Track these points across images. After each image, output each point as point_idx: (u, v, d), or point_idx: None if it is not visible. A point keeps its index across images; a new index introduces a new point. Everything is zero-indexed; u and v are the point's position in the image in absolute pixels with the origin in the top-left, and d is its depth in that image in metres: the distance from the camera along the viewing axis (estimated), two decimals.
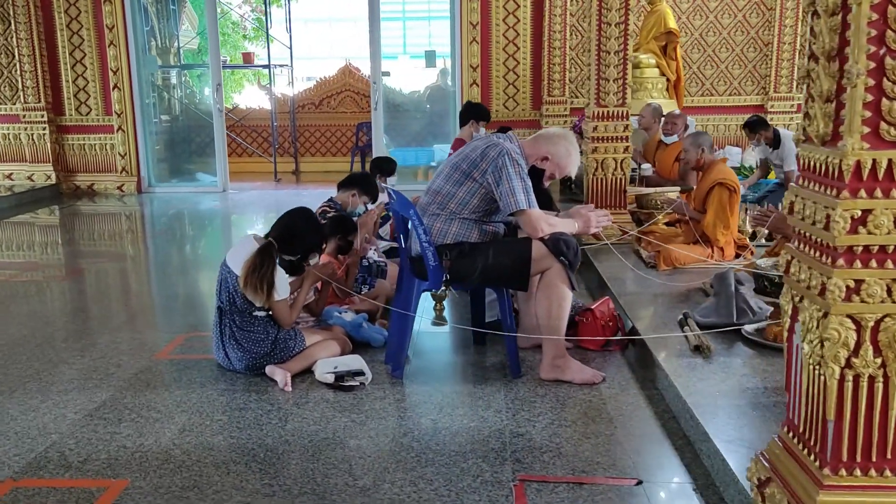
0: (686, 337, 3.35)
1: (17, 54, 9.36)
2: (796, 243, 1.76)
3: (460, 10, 9.27)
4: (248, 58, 13.20)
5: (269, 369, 3.40)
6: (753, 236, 5.05)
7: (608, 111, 5.37)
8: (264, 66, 12.37)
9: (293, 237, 3.48)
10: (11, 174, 9.75)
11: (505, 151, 3.21)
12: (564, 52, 9.23)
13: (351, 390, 3.27)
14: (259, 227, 7.86)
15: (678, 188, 5.62)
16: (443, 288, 3.28)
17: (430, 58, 12.88)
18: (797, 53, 9.11)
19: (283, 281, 3.40)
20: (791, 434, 1.82)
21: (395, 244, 5.60)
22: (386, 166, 5.51)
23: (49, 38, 9.48)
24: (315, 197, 9.41)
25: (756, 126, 6.62)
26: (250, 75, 19.57)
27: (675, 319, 3.63)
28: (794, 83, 9.21)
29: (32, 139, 9.60)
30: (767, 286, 3.23)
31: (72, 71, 9.58)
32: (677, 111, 6.36)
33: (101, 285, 5.64)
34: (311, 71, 15.06)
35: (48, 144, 9.60)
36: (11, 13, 9.26)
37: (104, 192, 9.77)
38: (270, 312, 3.48)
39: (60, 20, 9.43)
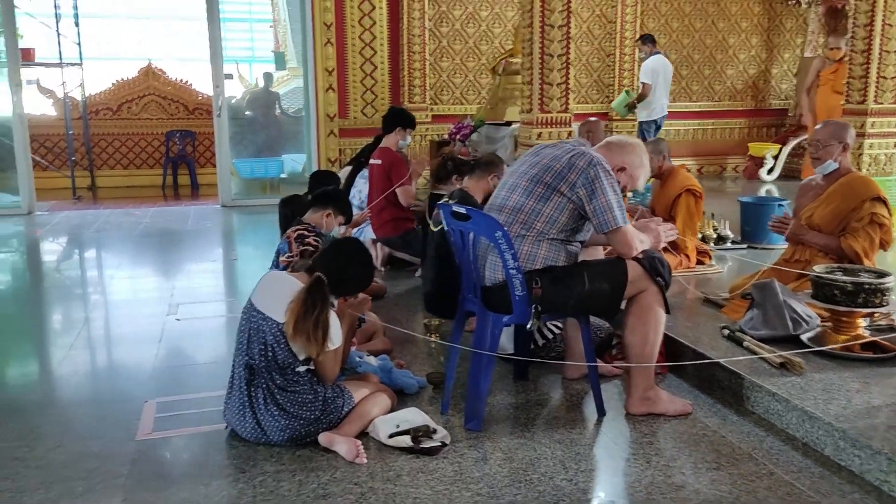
0: (748, 351, 3.22)
1: None
2: None
3: (312, 10, 8.58)
4: (27, 54, 11.16)
5: (323, 438, 2.69)
6: (721, 240, 5.14)
7: (552, 117, 5.17)
8: (55, 65, 10.53)
9: (346, 274, 2.81)
10: None
11: (596, 161, 2.84)
12: (424, 57, 8.93)
13: (434, 453, 2.69)
14: (102, 259, 6.59)
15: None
16: (533, 321, 2.82)
17: (280, 60, 11.89)
18: (636, 64, 9.67)
19: (336, 326, 2.72)
20: None
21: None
22: (326, 180, 4.82)
23: None
24: (158, 215, 8.21)
25: None
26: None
27: (701, 332, 3.51)
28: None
29: None
30: (837, 295, 3.19)
31: None
32: (592, 118, 6.35)
33: None
34: (107, 73, 13.19)
35: None
36: None
37: None
38: (311, 367, 2.78)
39: None
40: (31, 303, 5.08)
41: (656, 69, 8.20)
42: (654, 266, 2.90)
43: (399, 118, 5.47)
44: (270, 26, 21.66)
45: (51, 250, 6.91)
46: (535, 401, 3.20)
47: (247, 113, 11.12)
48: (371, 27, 8.82)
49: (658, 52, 8.39)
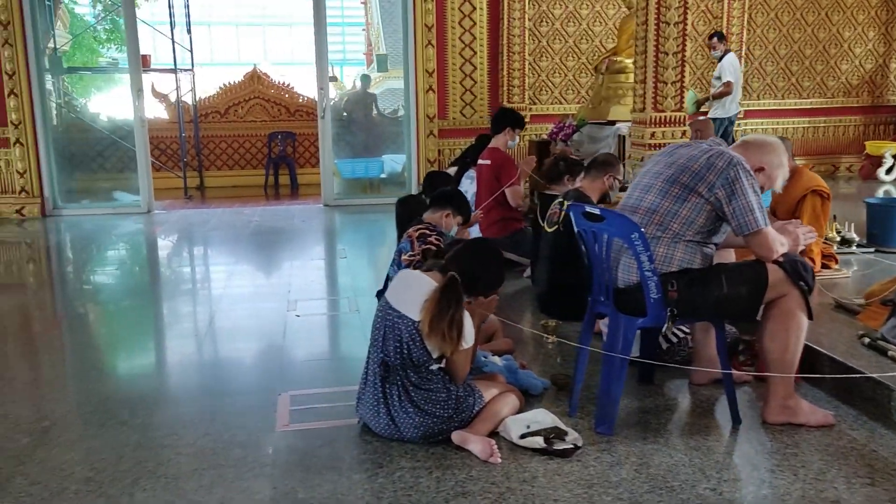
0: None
1: None
2: None
3: (414, 13, 8.69)
4: (143, 61, 11.76)
5: (456, 437, 2.72)
6: (845, 243, 4.92)
7: (666, 116, 5.05)
8: (169, 70, 11.07)
9: (479, 274, 2.83)
10: None
11: (736, 161, 2.76)
12: (524, 58, 8.91)
13: (567, 456, 2.67)
14: (220, 255, 6.87)
15: None
16: (667, 324, 2.77)
17: (382, 62, 12.14)
18: (742, 61, 9.34)
19: (470, 325, 2.75)
20: None
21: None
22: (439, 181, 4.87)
23: None
24: (265, 213, 8.51)
25: None
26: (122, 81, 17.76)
27: (837, 339, 3.35)
28: (740, 90, 9.44)
29: None
30: None
31: None
32: (702, 117, 6.18)
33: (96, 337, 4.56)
34: (214, 78, 13.81)
35: None
36: None
37: None
38: (443, 365, 2.81)
39: None
40: (160, 297, 5.34)
41: (735, 66, 8.03)
42: (796, 270, 2.79)
43: (508, 118, 5.47)
44: (363, 30, 22.11)
45: (173, 247, 7.26)
46: (663, 406, 3.14)
47: (344, 114, 11.38)
48: (471, 28, 8.86)
49: (729, 50, 8.21)
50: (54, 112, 9.69)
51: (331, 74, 9.24)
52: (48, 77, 8.66)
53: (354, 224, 8.13)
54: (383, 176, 10.13)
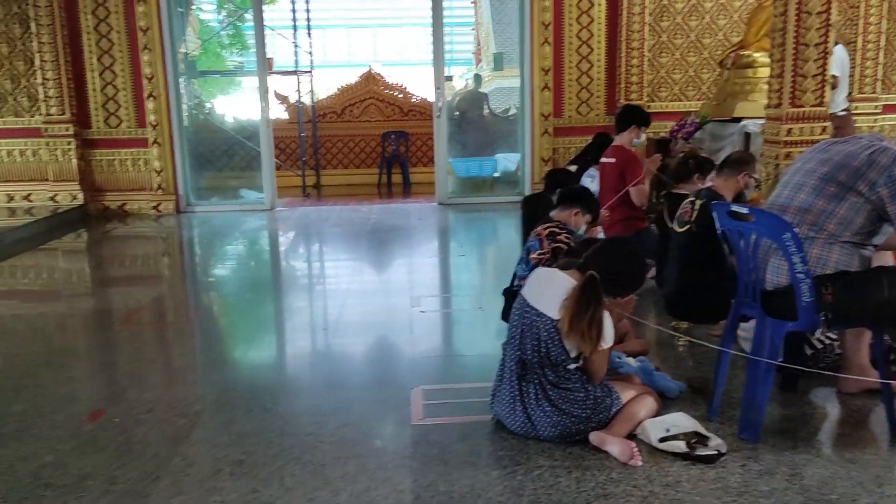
0: None
1: (37, 61, 8.34)
2: None
3: (531, 11, 8.65)
4: (268, 64, 12.29)
5: (595, 438, 2.69)
6: None
7: (804, 112, 4.80)
8: (291, 73, 11.51)
9: (620, 274, 2.79)
10: (30, 195, 8.69)
11: None
12: (642, 54, 8.70)
13: (711, 462, 2.58)
14: (342, 252, 7.07)
15: None
16: (821, 330, 2.63)
17: (498, 61, 12.22)
18: (881, 52, 8.77)
19: (609, 325, 2.71)
20: None
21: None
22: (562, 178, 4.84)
23: (74, 42, 8.47)
24: (381, 211, 8.76)
25: None
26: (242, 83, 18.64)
27: None
28: (879, 83, 8.86)
29: (55, 155, 8.56)
30: None
31: (100, 78, 8.60)
32: (842, 112, 5.85)
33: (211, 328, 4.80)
34: (327, 79, 14.28)
35: (73, 161, 8.57)
36: (31, 14, 8.24)
37: (138, 212, 8.78)
38: (580, 364, 2.78)
39: (87, 22, 8.44)
40: (289, 291, 5.56)
41: (843, 59, 7.38)
42: None
43: (634, 115, 5.35)
44: (472, 29, 22.20)
45: (298, 243, 7.53)
46: (810, 414, 2.99)
47: (456, 113, 11.46)
48: (588, 25, 8.73)
49: (837, 42, 7.59)
50: (185, 114, 10.30)
51: (447, 74, 9.32)
52: (181, 80, 9.25)
53: (469, 222, 8.18)
54: (497, 175, 10.13)
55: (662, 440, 2.69)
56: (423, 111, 11.96)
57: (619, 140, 5.39)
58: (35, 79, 8.47)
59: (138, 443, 2.84)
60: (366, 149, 12.32)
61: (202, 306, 5.28)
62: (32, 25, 8.25)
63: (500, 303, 3.93)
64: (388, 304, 4.90)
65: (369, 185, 11.75)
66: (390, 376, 3.58)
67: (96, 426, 2.99)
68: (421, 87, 13.04)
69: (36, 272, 6.37)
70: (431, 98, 12.13)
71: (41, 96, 8.43)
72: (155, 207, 8.82)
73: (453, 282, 5.77)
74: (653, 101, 8.96)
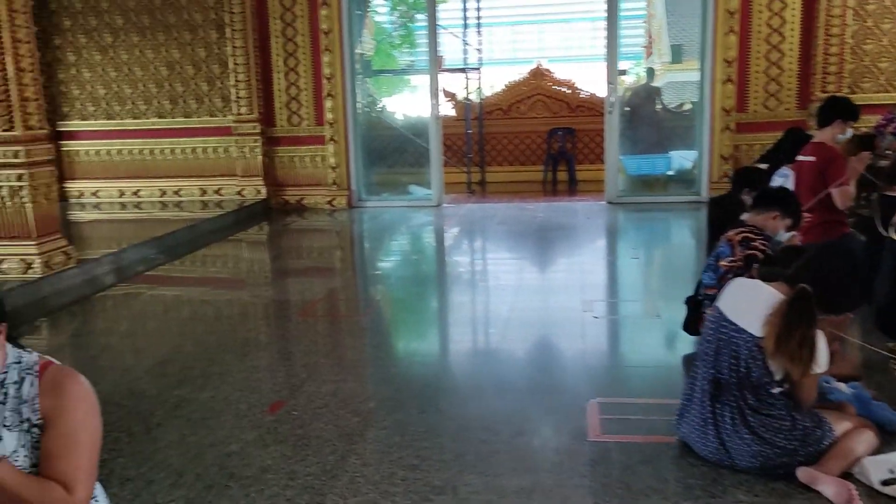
0: None
1: (231, 63, 8.93)
2: None
3: None
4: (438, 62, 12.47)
5: (804, 475, 2.37)
6: None
7: None
8: (459, 70, 11.59)
9: (837, 288, 2.46)
10: (220, 189, 9.33)
11: None
12: (843, 41, 7.88)
13: None
14: (509, 250, 6.96)
15: None
16: None
17: (677, 53, 11.73)
18: None
19: (823, 346, 2.39)
20: None
21: None
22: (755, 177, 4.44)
23: (262, 45, 8.99)
24: (547, 209, 8.63)
25: None
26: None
27: None
28: None
29: (243, 152, 9.13)
30: None
31: (285, 79, 9.07)
32: None
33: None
34: (492, 76, 14.31)
35: (259, 157, 9.09)
36: (227, 20, 8.82)
37: (314, 206, 9.17)
38: (785, 388, 2.47)
39: (275, 26, 8.92)
40: (459, 288, 5.54)
41: None
42: None
43: (839, 108, 4.78)
44: (644, 22, 21.38)
45: (466, 240, 7.53)
46: None
47: (626, 109, 11.01)
48: (781, 11, 8.03)
49: None
50: (358, 112, 10.66)
51: (620, 68, 8.95)
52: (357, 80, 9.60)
53: (641, 223, 7.80)
54: (671, 173, 9.61)
55: (886, 483, 2.34)
56: (591, 107, 11.63)
57: (821, 136, 4.85)
58: (228, 81, 9.07)
59: (315, 438, 2.87)
60: (531, 146, 12.17)
61: (373, 300, 5.37)
62: (227, 30, 8.84)
63: (679, 311, 3.65)
64: (557, 306, 4.73)
65: (534, 183, 11.59)
66: (563, 384, 3.41)
67: (277, 418, 3.07)
68: (588, 82, 12.70)
69: (223, 261, 6.80)
70: (600, 93, 11.81)
71: (233, 97, 9.02)
72: (329, 202, 9.17)
73: (626, 285, 5.49)
74: (854, 92, 8.09)
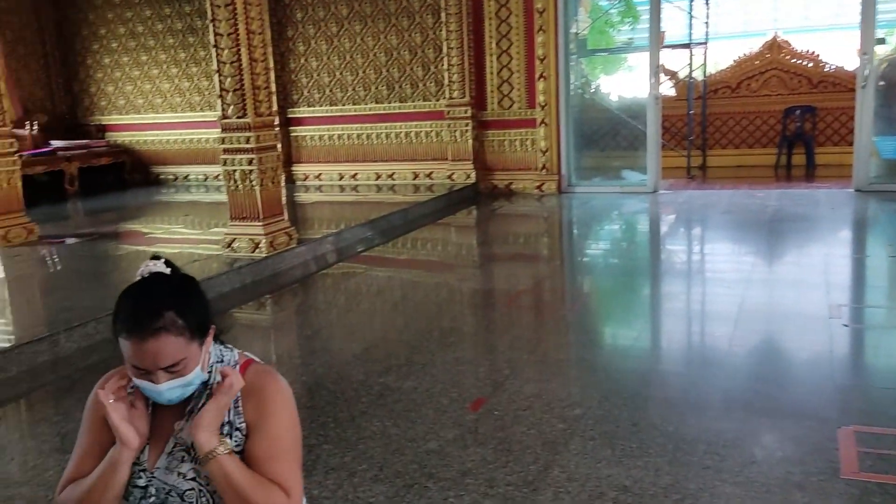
0: None
1: (445, 48, 8.98)
2: None
3: None
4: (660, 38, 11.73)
5: None
6: None
7: None
8: (683, 46, 10.79)
9: None
10: (432, 173, 9.47)
11: None
12: None
13: None
14: (737, 244, 6.30)
15: None
16: None
17: None
18: None
19: None
20: None
21: None
22: None
23: (476, 28, 8.94)
24: (781, 198, 7.73)
25: None
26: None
27: None
28: None
29: (454, 136, 9.17)
30: None
31: (497, 62, 8.96)
32: None
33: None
34: (718, 51, 13.20)
35: (469, 141, 9.09)
36: (442, 4, 8.87)
37: (522, 191, 9.00)
38: None
39: (490, 7, 8.82)
40: (681, 285, 5.07)
41: None
42: None
43: None
44: None
45: (685, 231, 6.96)
46: None
47: (881, 83, 9.58)
48: None
49: None
50: (571, 93, 10.28)
51: (878, 36, 7.76)
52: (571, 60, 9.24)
53: None
54: None
55: None
56: (836, 82, 10.35)
57: None
58: (442, 65, 9.14)
59: (517, 443, 2.67)
60: (762, 126, 11.08)
61: (581, 294, 5.08)
62: (442, 15, 8.89)
63: None
64: (797, 310, 4.12)
65: (763, 168, 10.56)
66: (806, 405, 2.91)
67: (478, 416, 2.91)
68: (832, 54, 11.27)
69: (433, 245, 6.84)
70: (848, 67, 10.41)
71: (446, 81, 9.07)
72: (538, 187, 8.95)
73: (882, 289, 4.70)
74: None
